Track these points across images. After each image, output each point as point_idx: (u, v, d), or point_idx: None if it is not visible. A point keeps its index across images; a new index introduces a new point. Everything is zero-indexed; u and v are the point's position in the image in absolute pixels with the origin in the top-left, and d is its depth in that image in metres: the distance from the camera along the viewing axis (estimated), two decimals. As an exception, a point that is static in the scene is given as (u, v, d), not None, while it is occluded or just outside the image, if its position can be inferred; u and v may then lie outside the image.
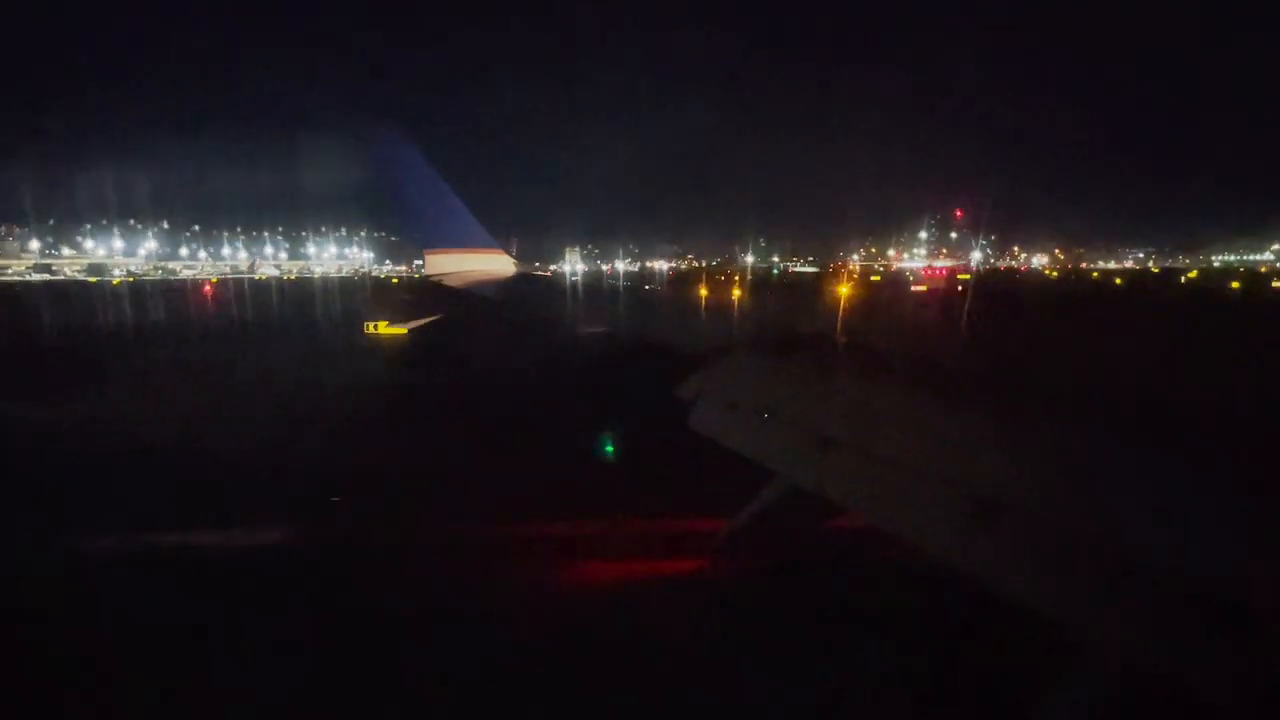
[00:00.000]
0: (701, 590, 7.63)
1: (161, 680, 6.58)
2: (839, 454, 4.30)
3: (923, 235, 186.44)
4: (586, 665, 6.54)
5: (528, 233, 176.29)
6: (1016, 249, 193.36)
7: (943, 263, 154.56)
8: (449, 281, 14.76)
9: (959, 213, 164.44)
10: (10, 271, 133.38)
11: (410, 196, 15.70)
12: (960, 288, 65.31)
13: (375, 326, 38.93)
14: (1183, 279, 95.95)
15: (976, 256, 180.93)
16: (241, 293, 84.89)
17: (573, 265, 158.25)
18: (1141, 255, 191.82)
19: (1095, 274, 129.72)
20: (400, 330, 38.47)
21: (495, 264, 15.60)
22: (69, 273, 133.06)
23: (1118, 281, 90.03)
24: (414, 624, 7.60)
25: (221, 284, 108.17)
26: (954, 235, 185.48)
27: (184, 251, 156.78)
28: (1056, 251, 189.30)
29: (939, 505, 3.55)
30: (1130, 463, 3.20)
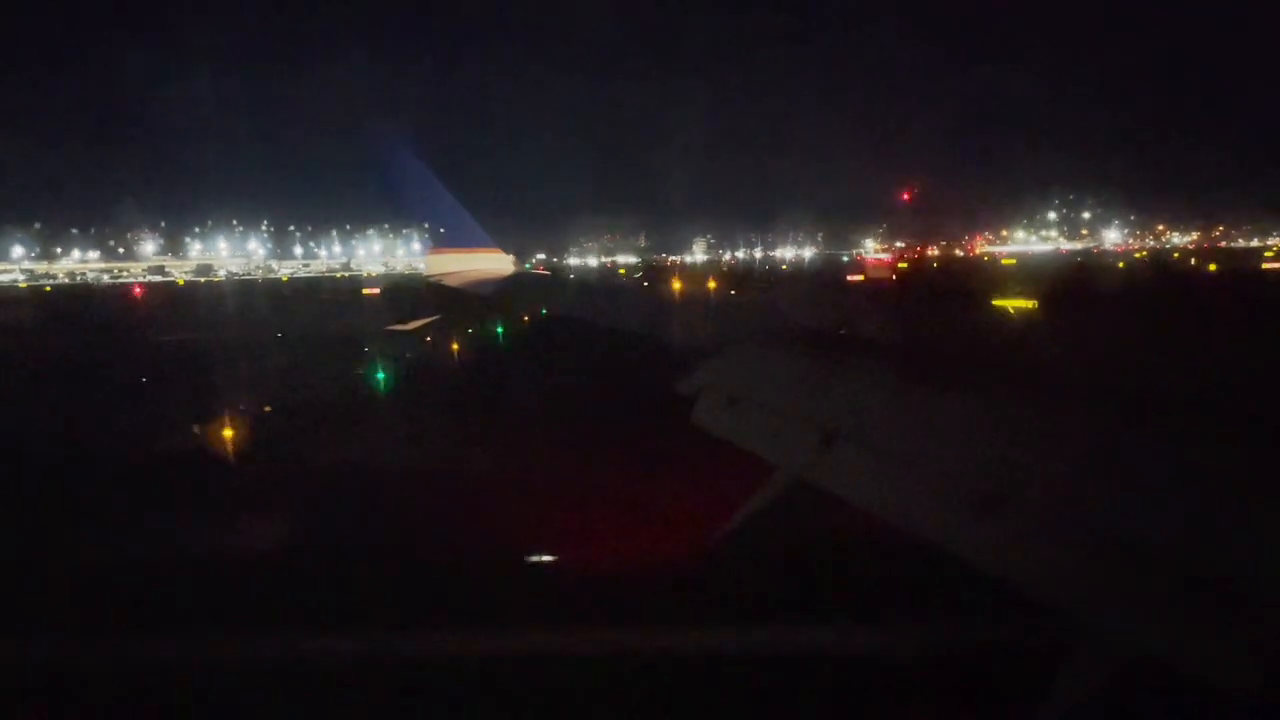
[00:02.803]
0: (703, 586, 7.49)
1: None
2: (842, 447, 4.29)
3: (1052, 216, 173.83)
4: (585, 663, 6.51)
5: (655, 223, 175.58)
6: (1161, 227, 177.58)
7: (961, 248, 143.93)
8: (448, 281, 15.05)
9: (906, 196, 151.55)
10: (126, 274, 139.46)
11: (409, 197, 16.47)
12: (895, 277, 62.78)
13: None
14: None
15: (1112, 237, 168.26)
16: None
17: (694, 256, 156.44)
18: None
19: (1175, 254, 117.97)
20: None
21: (494, 263, 15.81)
22: (177, 274, 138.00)
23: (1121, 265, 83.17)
24: (403, 618, 7.63)
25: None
26: (1086, 215, 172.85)
27: (298, 251, 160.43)
28: (1217, 230, 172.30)
29: (942, 497, 3.57)
30: (1134, 450, 3.20)
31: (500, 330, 27.34)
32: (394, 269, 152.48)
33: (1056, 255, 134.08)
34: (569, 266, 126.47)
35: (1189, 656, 2.58)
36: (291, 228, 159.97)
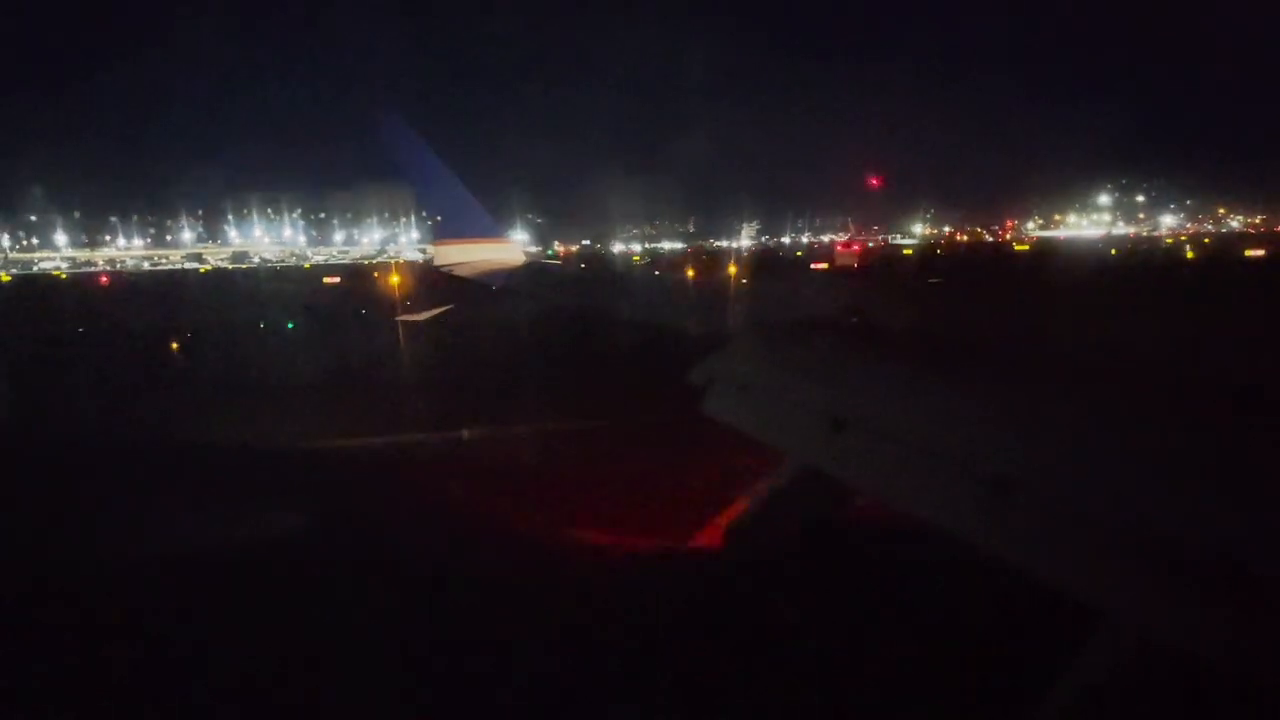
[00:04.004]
0: (714, 573, 7.47)
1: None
2: (852, 434, 4.26)
3: (1104, 200, 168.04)
4: (595, 649, 6.47)
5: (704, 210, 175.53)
6: (1222, 210, 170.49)
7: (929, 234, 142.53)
8: (458, 271, 15.01)
9: (876, 181, 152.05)
10: (165, 262, 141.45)
11: (418, 186, 15.83)
12: (856, 265, 64.90)
13: None
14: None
15: (1169, 221, 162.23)
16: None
17: (740, 242, 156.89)
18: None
19: (1206, 240, 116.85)
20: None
21: (504, 253, 15.76)
22: (213, 262, 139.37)
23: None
24: (407, 601, 7.56)
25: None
26: (1141, 198, 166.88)
27: (339, 238, 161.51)
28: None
29: (953, 483, 3.54)
30: (1145, 436, 3.17)
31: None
32: (430, 255, 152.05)
33: (1095, 241, 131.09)
34: (612, 254, 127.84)
35: (1200, 642, 2.56)
36: (322, 214, 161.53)
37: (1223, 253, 73.13)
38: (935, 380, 4.33)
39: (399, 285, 46.30)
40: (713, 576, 7.49)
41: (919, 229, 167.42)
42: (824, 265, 62.56)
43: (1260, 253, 68.88)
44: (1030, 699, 3.41)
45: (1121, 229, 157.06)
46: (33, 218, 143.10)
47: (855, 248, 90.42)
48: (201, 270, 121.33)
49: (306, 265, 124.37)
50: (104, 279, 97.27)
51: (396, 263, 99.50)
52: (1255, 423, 3.11)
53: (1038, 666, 3.43)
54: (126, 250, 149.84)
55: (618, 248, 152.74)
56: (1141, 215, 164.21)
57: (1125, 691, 2.88)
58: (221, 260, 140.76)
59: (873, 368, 4.91)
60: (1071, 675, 3.06)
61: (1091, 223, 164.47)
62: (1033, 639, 4.37)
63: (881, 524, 5.73)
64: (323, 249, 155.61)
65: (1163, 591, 2.68)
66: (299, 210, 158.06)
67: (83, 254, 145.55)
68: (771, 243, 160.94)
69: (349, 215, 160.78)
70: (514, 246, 17.77)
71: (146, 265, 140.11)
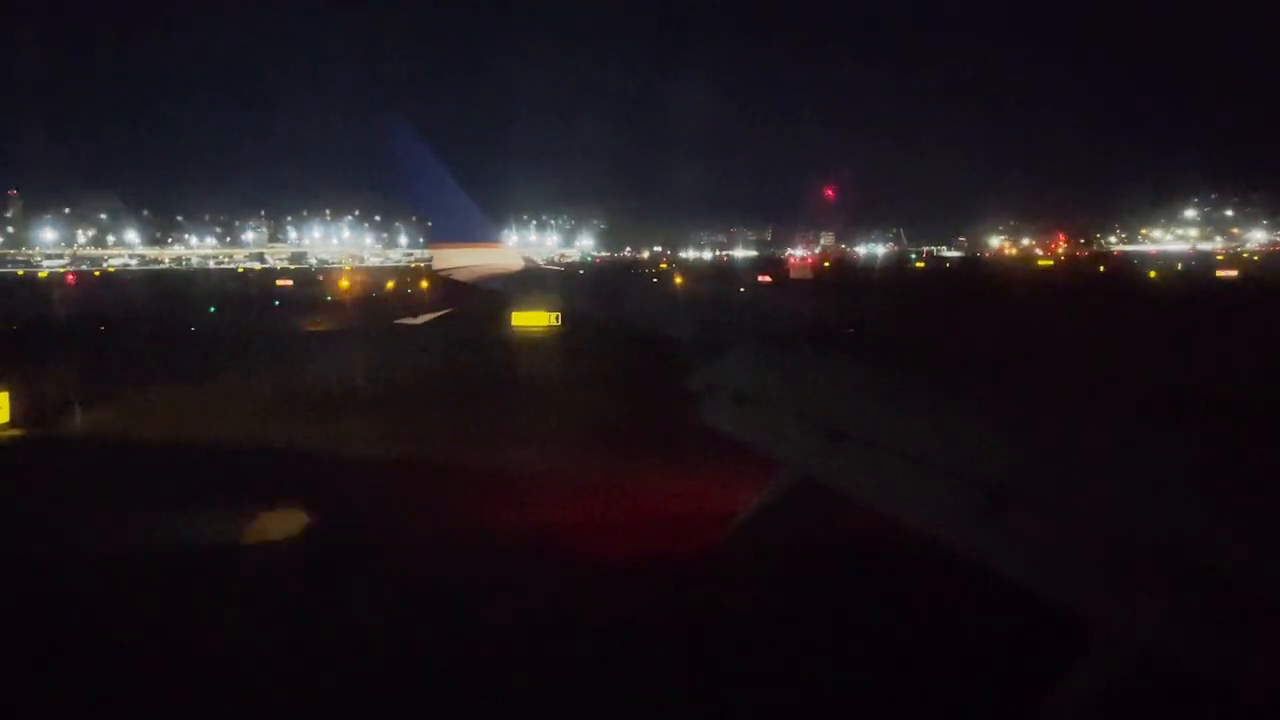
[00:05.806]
0: (711, 583, 7.44)
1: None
2: (849, 446, 4.32)
3: (1190, 214, 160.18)
4: (595, 657, 6.55)
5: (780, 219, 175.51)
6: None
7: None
8: (457, 276, 15.18)
9: (829, 192, 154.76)
10: (228, 262, 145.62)
11: (419, 191, 15.94)
12: (810, 276, 66.10)
13: None
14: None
15: (1260, 237, 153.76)
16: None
17: (812, 250, 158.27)
18: None
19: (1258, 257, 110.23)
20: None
21: (502, 258, 15.83)
22: (272, 261, 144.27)
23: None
24: (408, 610, 7.67)
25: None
26: (1230, 213, 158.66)
27: (403, 240, 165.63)
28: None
29: (950, 496, 3.56)
30: (1145, 450, 3.21)
31: None
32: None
33: (1156, 256, 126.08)
34: (685, 260, 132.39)
35: (1197, 655, 2.57)
36: (376, 216, 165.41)
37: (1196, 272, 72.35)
38: (930, 391, 4.26)
39: (345, 289, 52.15)
40: (708, 588, 7.43)
41: (995, 242, 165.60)
42: (768, 278, 65.62)
43: (1233, 273, 66.91)
44: (1025, 711, 3.32)
45: (1217, 243, 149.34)
46: (103, 215, 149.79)
47: (809, 261, 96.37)
48: (241, 270, 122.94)
49: (348, 268, 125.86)
50: (71, 278, 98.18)
51: (349, 269, 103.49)
52: (1252, 435, 3.05)
53: (1032, 678, 3.36)
54: (196, 249, 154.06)
55: (691, 254, 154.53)
56: (1235, 230, 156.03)
57: (1119, 705, 2.83)
58: (281, 260, 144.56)
59: (868, 378, 4.85)
60: (1065, 687, 2.99)
61: (1175, 238, 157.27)
62: (1028, 651, 4.25)
63: (878, 535, 5.56)
64: (382, 250, 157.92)
65: (1158, 605, 2.66)
66: (357, 211, 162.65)
67: (151, 251, 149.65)
68: (839, 250, 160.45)
69: (413, 219, 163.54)
70: (511, 251, 18.41)
71: (212, 264, 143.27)
